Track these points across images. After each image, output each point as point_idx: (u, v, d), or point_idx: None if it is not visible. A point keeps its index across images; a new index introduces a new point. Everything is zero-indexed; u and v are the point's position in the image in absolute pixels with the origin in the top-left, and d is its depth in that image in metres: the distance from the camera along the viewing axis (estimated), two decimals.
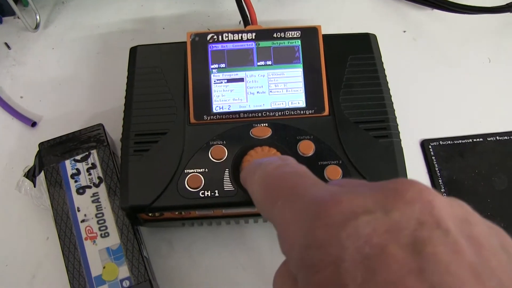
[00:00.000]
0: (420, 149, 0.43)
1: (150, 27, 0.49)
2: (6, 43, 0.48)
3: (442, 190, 0.41)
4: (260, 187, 0.24)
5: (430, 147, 0.43)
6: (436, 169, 0.42)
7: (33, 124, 0.43)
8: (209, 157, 0.33)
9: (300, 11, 0.50)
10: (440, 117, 0.44)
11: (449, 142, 0.43)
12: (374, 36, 0.39)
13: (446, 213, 0.17)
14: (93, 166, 0.38)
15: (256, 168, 0.25)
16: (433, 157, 0.42)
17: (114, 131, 0.40)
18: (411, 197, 0.17)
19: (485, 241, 0.17)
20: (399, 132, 0.35)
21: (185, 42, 0.37)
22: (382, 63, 0.38)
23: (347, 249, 0.16)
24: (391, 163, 0.34)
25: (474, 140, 0.43)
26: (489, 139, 0.43)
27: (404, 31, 0.49)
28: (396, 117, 0.36)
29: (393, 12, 0.50)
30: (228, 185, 0.32)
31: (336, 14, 0.50)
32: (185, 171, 0.33)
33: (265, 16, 0.44)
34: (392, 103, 0.36)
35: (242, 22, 0.43)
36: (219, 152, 0.33)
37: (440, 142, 0.43)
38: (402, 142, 0.35)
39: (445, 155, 0.42)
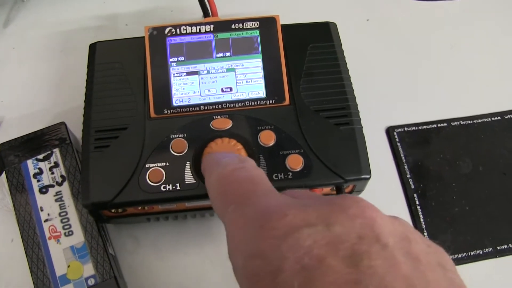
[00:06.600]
0: (385, 136, 0.43)
1: (113, 24, 0.48)
2: None
3: (408, 176, 0.41)
4: (215, 189, 0.24)
5: (395, 133, 0.43)
6: (402, 155, 0.42)
7: None
8: (170, 150, 0.33)
9: (263, 2, 0.49)
10: (405, 104, 0.45)
11: (414, 128, 0.43)
12: (334, 24, 0.39)
13: (387, 229, 0.18)
14: (56, 164, 0.37)
15: (214, 167, 0.25)
16: (398, 144, 0.43)
17: (78, 129, 0.40)
18: (354, 213, 0.18)
19: (422, 257, 0.17)
20: (360, 119, 0.35)
21: (144, 37, 0.36)
22: (343, 51, 0.38)
23: (287, 259, 0.16)
24: (352, 150, 0.34)
25: (439, 125, 0.44)
26: (453, 123, 0.44)
27: (368, 20, 0.49)
28: (357, 104, 0.36)
29: (356, 1, 0.50)
30: (189, 178, 0.32)
31: (299, 5, 0.50)
32: (146, 166, 0.33)
33: (226, 9, 0.44)
34: (353, 90, 0.36)
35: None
36: (180, 146, 0.33)
37: (405, 128, 0.43)
38: (367, 130, 0.35)
39: (410, 141, 0.43)
